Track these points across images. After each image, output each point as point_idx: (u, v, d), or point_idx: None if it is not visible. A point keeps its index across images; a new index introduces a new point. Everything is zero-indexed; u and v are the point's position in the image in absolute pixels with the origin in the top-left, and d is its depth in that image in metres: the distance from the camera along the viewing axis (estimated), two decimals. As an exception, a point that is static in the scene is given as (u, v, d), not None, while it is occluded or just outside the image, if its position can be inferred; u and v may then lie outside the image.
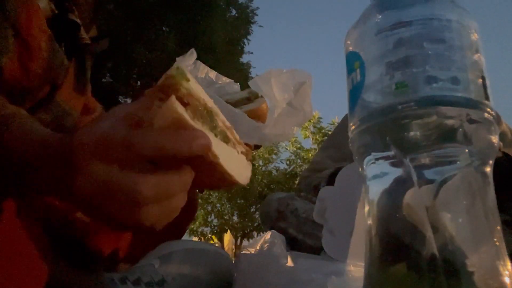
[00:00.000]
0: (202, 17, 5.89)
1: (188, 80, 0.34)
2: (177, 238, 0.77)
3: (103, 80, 5.49)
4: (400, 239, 0.29)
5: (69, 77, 0.64)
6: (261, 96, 0.66)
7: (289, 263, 0.57)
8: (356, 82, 0.33)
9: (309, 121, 12.53)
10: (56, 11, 0.61)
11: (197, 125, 0.34)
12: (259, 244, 0.63)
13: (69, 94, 0.64)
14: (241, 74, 7.17)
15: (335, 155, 1.27)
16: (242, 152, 0.42)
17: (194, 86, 0.35)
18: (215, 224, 12.13)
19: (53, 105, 0.61)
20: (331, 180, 1.14)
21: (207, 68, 0.72)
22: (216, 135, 0.37)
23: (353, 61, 0.34)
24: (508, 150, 0.95)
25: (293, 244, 1.00)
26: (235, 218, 12.17)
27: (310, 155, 12.05)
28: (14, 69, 0.53)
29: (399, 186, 0.29)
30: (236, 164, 0.40)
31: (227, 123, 0.40)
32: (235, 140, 0.41)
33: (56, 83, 0.61)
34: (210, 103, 0.37)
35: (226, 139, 0.39)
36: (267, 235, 0.63)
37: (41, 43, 0.56)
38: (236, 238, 12.23)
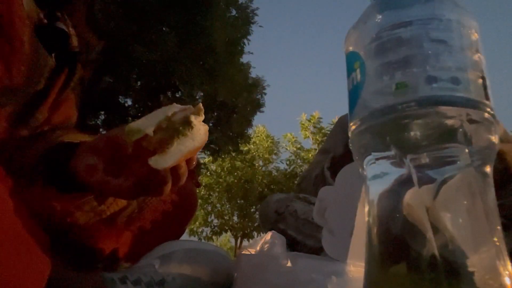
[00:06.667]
0: (202, 17, 5.88)
1: (134, 134, 0.47)
2: (177, 236, 0.78)
3: (103, 80, 5.50)
4: (400, 239, 0.29)
5: (55, 88, 0.64)
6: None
7: (289, 263, 0.57)
8: (356, 82, 0.33)
9: (309, 121, 12.54)
10: (46, 21, 0.60)
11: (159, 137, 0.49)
12: (259, 244, 0.63)
13: (51, 107, 0.64)
14: (241, 74, 7.16)
15: (325, 160, 1.28)
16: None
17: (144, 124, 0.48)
18: (215, 224, 12.14)
19: (32, 121, 0.61)
20: (333, 163, 1.15)
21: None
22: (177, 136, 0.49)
23: (353, 61, 0.34)
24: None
25: (293, 245, 1.00)
26: (235, 218, 12.17)
27: (310, 155, 12.06)
28: None
29: (399, 186, 0.29)
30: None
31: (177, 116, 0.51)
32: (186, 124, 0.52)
33: (38, 88, 0.60)
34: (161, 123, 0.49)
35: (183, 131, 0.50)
36: (268, 235, 0.63)
37: (23, 37, 0.56)
38: (236, 238, 12.23)
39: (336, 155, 1.15)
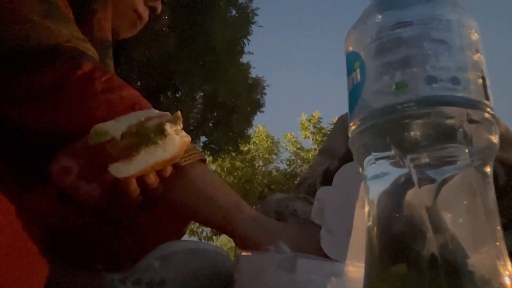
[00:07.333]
0: (202, 17, 5.89)
1: (99, 136, 0.43)
2: (177, 237, 0.77)
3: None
4: (400, 239, 0.29)
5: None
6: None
7: (288, 264, 0.57)
8: (356, 82, 0.33)
9: (309, 121, 12.55)
10: None
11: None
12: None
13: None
14: (241, 74, 7.16)
15: (328, 159, 1.27)
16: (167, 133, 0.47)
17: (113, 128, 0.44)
18: (215, 224, 12.11)
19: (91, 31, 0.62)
20: (325, 177, 1.15)
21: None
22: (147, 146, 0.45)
23: (353, 61, 0.34)
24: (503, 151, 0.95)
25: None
26: (235, 218, 12.15)
27: (310, 155, 12.07)
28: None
29: (399, 186, 0.29)
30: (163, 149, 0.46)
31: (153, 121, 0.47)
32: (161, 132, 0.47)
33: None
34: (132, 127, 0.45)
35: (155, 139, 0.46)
36: None
37: None
38: (236, 238, 12.21)
39: (331, 168, 1.15)
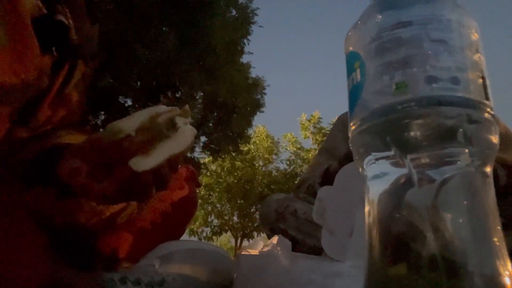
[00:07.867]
0: (202, 17, 5.88)
1: (115, 134, 0.46)
2: (177, 236, 0.78)
3: (104, 78, 5.50)
4: (400, 239, 0.29)
5: (55, 86, 0.63)
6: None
7: (288, 264, 0.57)
8: (356, 82, 0.33)
9: (309, 121, 12.54)
10: (45, 11, 0.59)
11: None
12: (263, 246, 0.63)
13: (52, 105, 0.63)
14: (241, 74, 7.17)
15: (328, 159, 1.27)
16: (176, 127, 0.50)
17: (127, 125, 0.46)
18: (215, 224, 12.13)
19: (32, 121, 0.61)
20: (324, 178, 1.15)
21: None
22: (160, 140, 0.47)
23: (353, 61, 0.34)
24: (502, 151, 0.94)
25: (293, 245, 1.00)
26: (235, 218, 12.16)
27: (310, 155, 12.06)
28: (8, 59, 0.54)
29: (400, 186, 0.29)
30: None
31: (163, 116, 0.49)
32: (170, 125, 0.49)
33: (43, 85, 0.60)
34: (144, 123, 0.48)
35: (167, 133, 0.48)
36: (274, 239, 0.63)
37: (32, 30, 0.56)
38: (236, 238, 12.23)
39: (331, 169, 1.15)
